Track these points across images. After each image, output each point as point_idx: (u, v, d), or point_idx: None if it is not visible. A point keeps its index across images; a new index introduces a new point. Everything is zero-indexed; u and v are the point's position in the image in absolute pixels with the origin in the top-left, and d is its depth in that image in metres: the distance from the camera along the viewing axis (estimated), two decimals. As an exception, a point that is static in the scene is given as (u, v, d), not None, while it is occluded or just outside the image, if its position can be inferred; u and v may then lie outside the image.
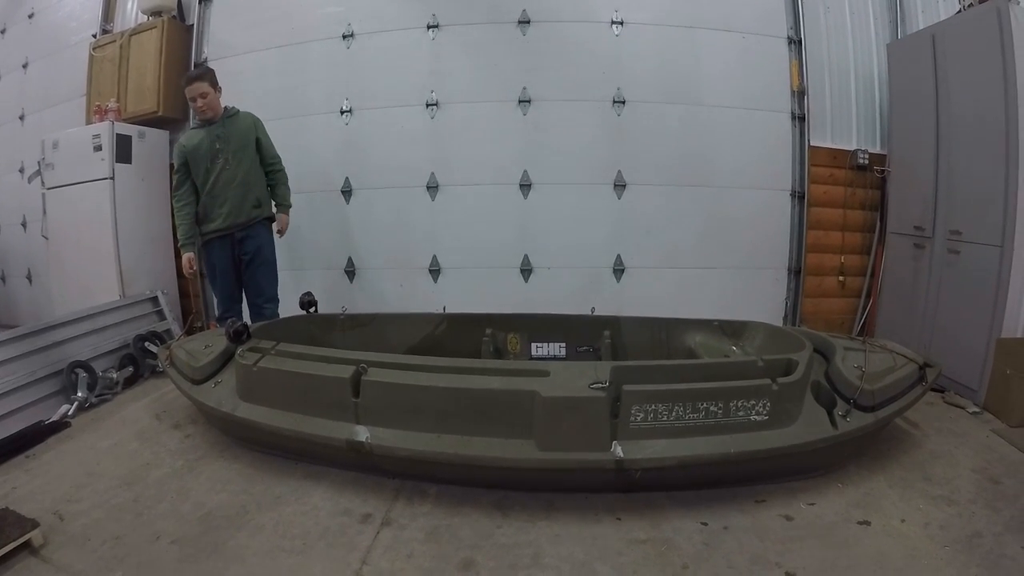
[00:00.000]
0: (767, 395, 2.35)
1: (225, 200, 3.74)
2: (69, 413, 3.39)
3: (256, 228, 3.87)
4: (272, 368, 2.69)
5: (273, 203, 4.00)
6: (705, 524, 2.31)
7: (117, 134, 4.58)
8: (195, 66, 4.86)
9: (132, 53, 4.98)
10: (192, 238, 3.77)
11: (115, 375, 3.78)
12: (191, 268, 3.81)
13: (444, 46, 4.47)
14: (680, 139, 4.43)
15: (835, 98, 4.59)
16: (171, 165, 3.79)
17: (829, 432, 2.43)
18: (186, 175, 3.74)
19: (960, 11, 3.78)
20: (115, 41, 5.08)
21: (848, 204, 4.61)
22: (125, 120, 4.79)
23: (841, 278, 4.67)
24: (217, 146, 3.72)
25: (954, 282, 3.69)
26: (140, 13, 5.12)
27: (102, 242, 4.56)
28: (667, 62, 4.41)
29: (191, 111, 4.83)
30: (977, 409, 3.38)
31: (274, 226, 4.00)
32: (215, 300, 3.90)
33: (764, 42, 4.47)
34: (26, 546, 2.16)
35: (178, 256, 4.99)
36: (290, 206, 4.05)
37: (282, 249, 4.22)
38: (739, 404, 2.33)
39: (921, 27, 4.28)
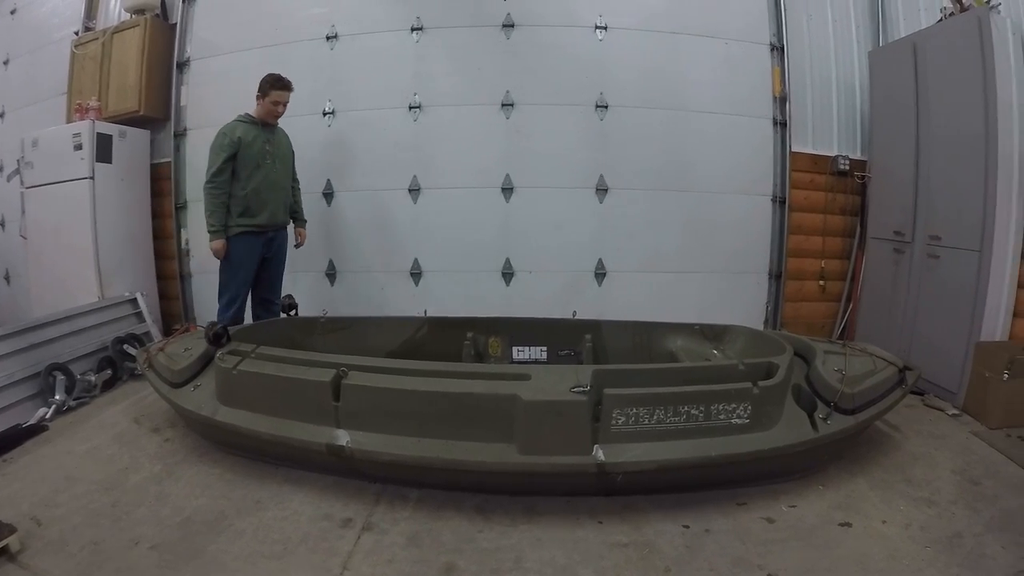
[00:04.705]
0: (748, 398, 2.36)
1: (269, 201, 3.88)
2: (47, 416, 3.33)
3: (283, 231, 4.10)
4: (252, 372, 2.66)
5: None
6: (687, 527, 2.32)
7: (98, 133, 4.52)
8: (177, 66, 4.87)
9: (114, 51, 4.92)
10: (224, 225, 3.76)
11: (93, 378, 3.71)
12: (224, 255, 3.79)
13: (428, 49, 4.47)
14: (662, 144, 4.46)
15: (817, 104, 4.64)
16: (222, 151, 3.72)
17: (810, 435, 2.45)
18: (229, 164, 3.73)
19: (941, 20, 3.82)
20: (97, 39, 5.02)
21: (829, 209, 4.66)
22: (106, 119, 4.73)
23: (822, 282, 4.72)
24: (268, 148, 3.86)
25: (933, 286, 3.74)
26: (123, 11, 5.07)
27: (81, 243, 4.50)
28: (650, 67, 4.43)
29: (174, 109, 4.89)
30: (956, 411, 3.43)
31: (292, 237, 4.19)
32: (221, 291, 3.86)
33: (747, 49, 4.51)
34: (3, 552, 2.13)
35: (159, 257, 5.02)
36: (306, 220, 4.29)
37: None
38: (720, 407, 2.35)
39: (903, 35, 4.32)
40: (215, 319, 3.64)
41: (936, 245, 3.71)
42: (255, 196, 3.80)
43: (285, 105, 3.87)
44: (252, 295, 4.01)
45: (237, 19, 4.79)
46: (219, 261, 3.81)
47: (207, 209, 3.71)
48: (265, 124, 3.88)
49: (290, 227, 4.17)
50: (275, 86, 3.80)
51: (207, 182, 3.71)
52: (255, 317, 4.02)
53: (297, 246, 4.23)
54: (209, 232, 3.72)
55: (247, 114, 3.86)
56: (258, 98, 3.83)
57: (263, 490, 2.59)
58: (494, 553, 2.17)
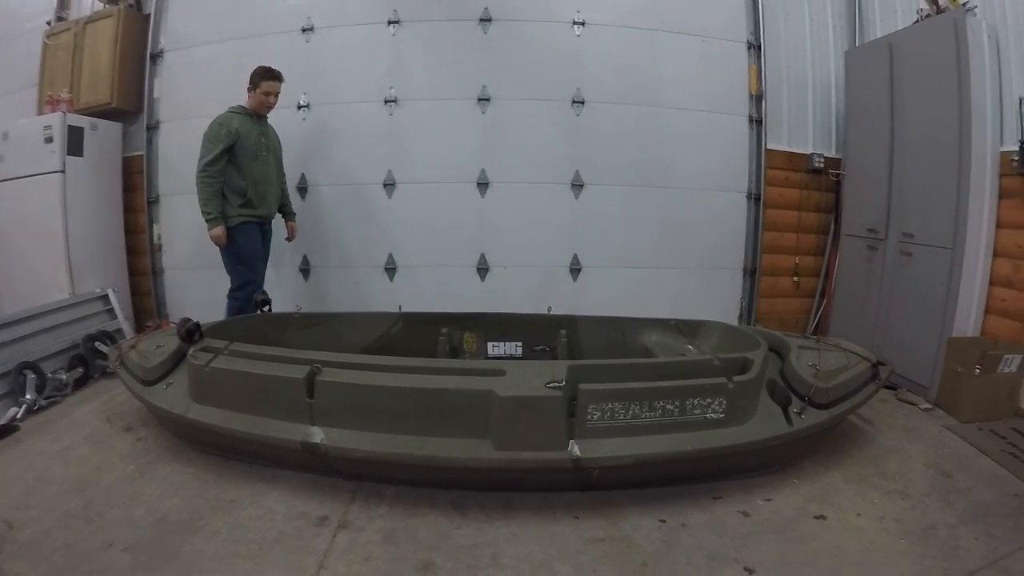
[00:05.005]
0: (723, 393, 2.38)
1: (267, 193, 3.93)
2: (17, 416, 3.26)
3: (270, 225, 4.11)
4: (225, 369, 2.62)
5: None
6: (663, 521, 2.33)
7: (69, 126, 4.42)
8: (151, 57, 4.79)
9: (87, 42, 4.82)
10: (222, 213, 3.73)
11: (65, 376, 3.65)
12: (224, 242, 3.76)
13: (405, 42, 4.44)
14: (638, 140, 4.47)
15: (792, 102, 4.70)
16: (219, 141, 3.68)
17: (784, 429, 2.47)
18: (225, 155, 3.70)
19: (917, 21, 3.88)
20: (70, 29, 4.92)
21: (803, 206, 4.73)
22: (78, 111, 4.63)
23: (796, 278, 4.79)
24: (263, 140, 3.89)
25: (906, 283, 3.80)
26: (96, 0, 4.97)
27: (52, 238, 4.41)
28: (627, 64, 4.44)
29: (147, 102, 4.80)
30: (929, 406, 3.49)
31: (277, 232, 4.21)
32: (233, 279, 3.86)
33: (724, 46, 4.54)
34: (-24, 556, 2.08)
35: (131, 253, 4.94)
36: (295, 214, 4.34)
37: None
38: (695, 402, 2.36)
39: (879, 36, 4.38)
40: (232, 308, 3.83)
41: (909, 242, 3.77)
42: (254, 188, 3.81)
43: (276, 96, 3.87)
44: None
45: (212, 10, 4.71)
46: (221, 253, 3.80)
47: (202, 197, 3.66)
48: (257, 116, 3.88)
49: (276, 221, 4.16)
50: (265, 77, 3.80)
51: (200, 170, 3.65)
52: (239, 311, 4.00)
53: (288, 239, 4.27)
54: (207, 220, 3.68)
55: (240, 106, 3.83)
56: (249, 90, 3.82)
57: (238, 489, 2.56)
58: (471, 550, 2.17)
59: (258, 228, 3.92)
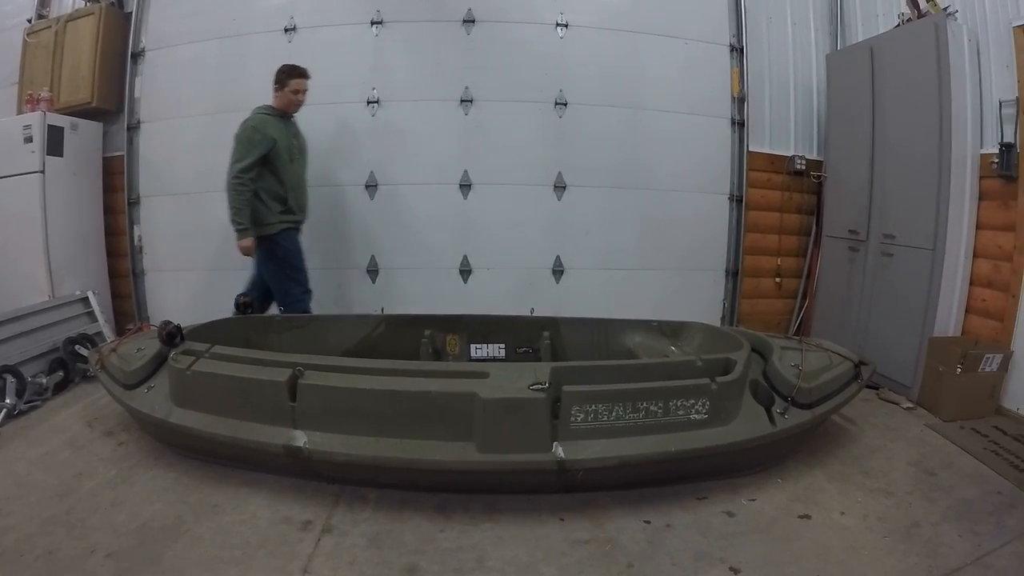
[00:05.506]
0: (706, 394, 2.39)
1: (302, 195, 3.89)
2: (-4, 421, 3.22)
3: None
4: (206, 372, 2.60)
5: None
6: (648, 522, 2.33)
7: (49, 125, 4.37)
8: (132, 56, 4.72)
9: (67, 40, 4.76)
10: (253, 223, 3.63)
11: (44, 380, 3.61)
12: (253, 253, 3.69)
13: (388, 43, 4.42)
14: (621, 142, 4.49)
15: (774, 105, 4.73)
16: (255, 147, 3.60)
17: (768, 429, 2.49)
18: (260, 160, 3.60)
19: (899, 25, 3.91)
20: (51, 27, 4.85)
21: (785, 208, 4.76)
22: (58, 110, 4.57)
23: (778, 279, 4.82)
24: (294, 142, 3.83)
25: (887, 283, 3.84)
26: (78, -3, 4.91)
27: (31, 239, 4.35)
28: (610, 66, 4.46)
29: (127, 102, 4.73)
30: (911, 405, 3.53)
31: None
32: (287, 288, 3.81)
33: (707, 49, 4.57)
34: (-43, 564, 2.05)
35: (111, 255, 4.88)
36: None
37: (212, 249, 4.21)
38: (679, 403, 2.37)
39: (860, 39, 4.42)
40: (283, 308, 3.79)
41: (890, 244, 3.81)
42: (293, 193, 3.75)
43: (305, 93, 3.79)
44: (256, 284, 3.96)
45: (194, 9, 4.66)
46: (264, 267, 3.76)
47: (234, 205, 3.55)
48: (284, 117, 3.79)
49: None
50: (292, 75, 3.73)
51: (234, 176, 3.54)
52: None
53: None
54: (238, 231, 3.57)
55: (268, 106, 3.75)
56: (276, 89, 3.74)
57: (220, 493, 2.54)
58: (456, 553, 2.16)
59: (297, 234, 3.85)
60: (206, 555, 2.14)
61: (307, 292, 3.89)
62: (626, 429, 2.34)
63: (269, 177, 3.65)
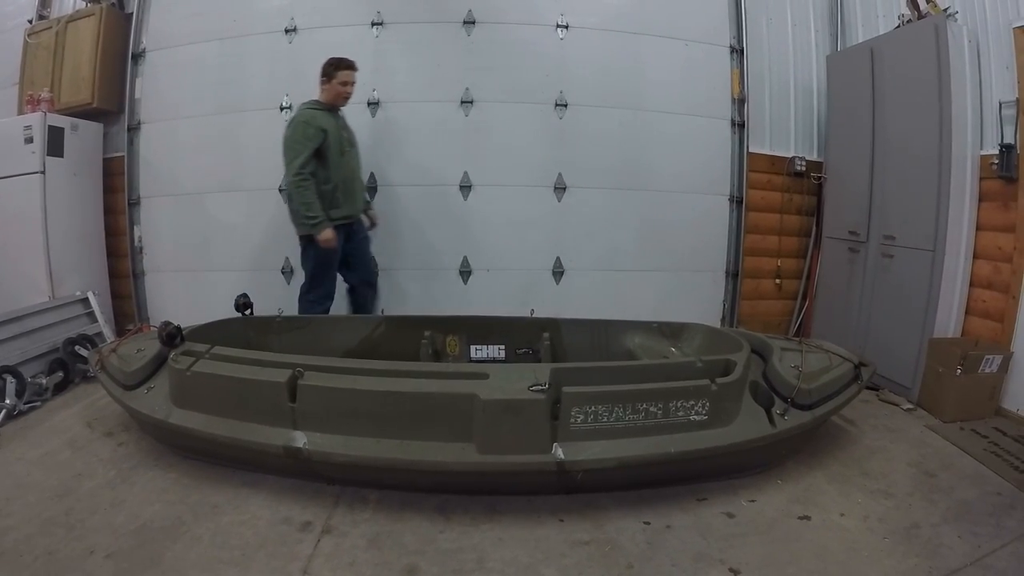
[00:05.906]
0: (706, 395, 2.39)
1: (351, 191, 3.84)
2: (-4, 421, 3.22)
3: (359, 223, 4.04)
4: (206, 372, 2.60)
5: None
6: (648, 523, 2.33)
7: (49, 126, 4.37)
8: (132, 57, 4.73)
9: (68, 41, 4.76)
10: (326, 215, 3.64)
11: (44, 381, 3.61)
12: (334, 244, 3.70)
13: (388, 44, 4.42)
14: (621, 143, 4.49)
15: (774, 106, 4.72)
16: (309, 140, 3.60)
17: (768, 430, 2.49)
18: (315, 154, 3.60)
19: (899, 26, 3.91)
20: (51, 28, 4.85)
21: (785, 209, 4.76)
22: (58, 111, 4.57)
23: (778, 281, 4.82)
24: (344, 134, 3.81)
25: (887, 285, 3.84)
26: (78, -1, 4.92)
27: (31, 240, 4.35)
28: (611, 67, 4.46)
29: (128, 102, 4.74)
30: (911, 406, 3.53)
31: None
32: (312, 285, 3.82)
33: (707, 50, 4.57)
34: (-44, 564, 2.05)
35: (111, 255, 4.89)
36: (369, 202, 4.25)
37: (212, 250, 4.18)
38: (679, 404, 2.37)
39: (860, 40, 4.43)
40: (306, 308, 3.78)
41: (890, 245, 3.81)
42: (343, 187, 3.74)
43: (353, 85, 3.78)
44: (350, 281, 4.06)
45: (195, 10, 4.66)
46: (303, 254, 3.77)
47: (303, 203, 3.57)
48: (333, 109, 3.78)
49: None
50: (340, 67, 3.71)
51: (295, 175, 3.55)
52: (360, 301, 4.05)
53: (371, 228, 4.20)
54: (314, 225, 3.59)
55: (315, 100, 3.75)
56: (323, 83, 3.74)
57: (220, 494, 2.54)
58: (456, 554, 2.16)
59: (340, 232, 3.77)
60: (206, 556, 2.14)
61: (328, 297, 3.87)
62: (626, 430, 2.33)
63: (318, 171, 3.64)
